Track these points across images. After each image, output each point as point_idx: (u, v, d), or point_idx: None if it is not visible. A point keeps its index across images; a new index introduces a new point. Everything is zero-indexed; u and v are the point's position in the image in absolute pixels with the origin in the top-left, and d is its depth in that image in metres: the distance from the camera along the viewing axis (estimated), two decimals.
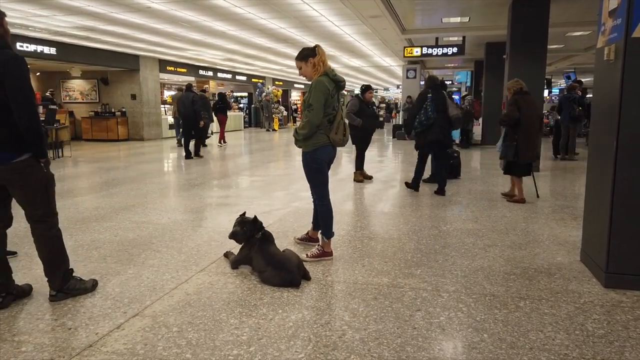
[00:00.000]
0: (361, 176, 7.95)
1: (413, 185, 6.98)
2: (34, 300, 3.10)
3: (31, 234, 3.02)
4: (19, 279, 3.29)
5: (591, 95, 9.76)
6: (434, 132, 6.53)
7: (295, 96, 35.18)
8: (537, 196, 6.49)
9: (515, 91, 6.17)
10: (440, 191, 6.75)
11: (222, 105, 15.02)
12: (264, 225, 3.81)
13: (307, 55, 3.71)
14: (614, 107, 3.23)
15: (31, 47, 12.70)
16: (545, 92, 16.98)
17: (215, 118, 14.49)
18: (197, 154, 11.59)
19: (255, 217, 3.79)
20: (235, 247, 3.92)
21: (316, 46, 3.73)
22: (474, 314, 2.89)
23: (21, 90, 2.79)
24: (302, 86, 32.67)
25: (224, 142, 15.15)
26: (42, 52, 13.09)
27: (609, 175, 3.29)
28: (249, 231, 3.70)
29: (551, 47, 12.14)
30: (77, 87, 17.72)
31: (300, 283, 3.33)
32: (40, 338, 2.60)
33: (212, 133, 14.34)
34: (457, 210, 5.82)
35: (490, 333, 2.65)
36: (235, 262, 3.72)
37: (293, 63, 17.05)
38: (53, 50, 13.39)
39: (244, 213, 3.91)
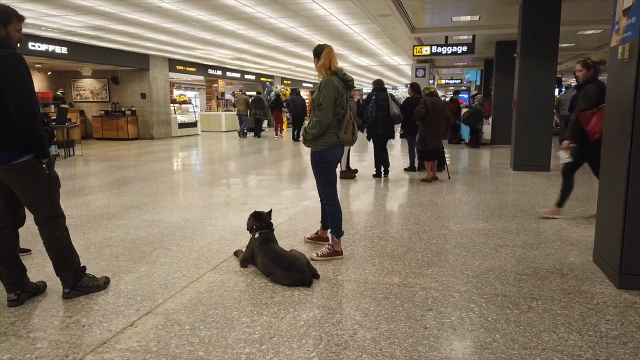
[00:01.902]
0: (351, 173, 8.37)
1: (377, 174, 8.24)
2: (48, 298, 3.14)
3: (40, 235, 3.05)
4: (33, 276, 3.33)
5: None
6: (377, 127, 7.80)
7: (303, 95, 35.17)
8: (449, 177, 8.07)
9: (426, 93, 7.78)
10: (377, 175, 8.23)
11: (277, 104, 18.22)
12: (268, 224, 3.81)
13: (317, 52, 3.76)
14: (628, 106, 3.20)
15: (43, 47, 12.82)
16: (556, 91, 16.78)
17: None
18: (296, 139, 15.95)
19: (255, 213, 3.86)
20: (244, 246, 3.94)
21: (325, 46, 3.75)
22: (485, 314, 2.88)
23: (18, 90, 2.73)
24: (311, 85, 32.65)
25: (280, 134, 18.50)
26: (53, 51, 13.21)
27: (622, 175, 3.26)
28: (252, 224, 3.80)
29: (562, 46, 12.04)
30: (87, 86, 17.86)
31: (311, 282, 3.34)
32: (55, 335, 2.63)
33: (267, 128, 19.81)
34: (468, 209, 5.80)
35: (502, 333, 2.64)
36: (244, 261, 3.75)
37: (302, 62, 17.01)
38: (64, 50, 13.51)
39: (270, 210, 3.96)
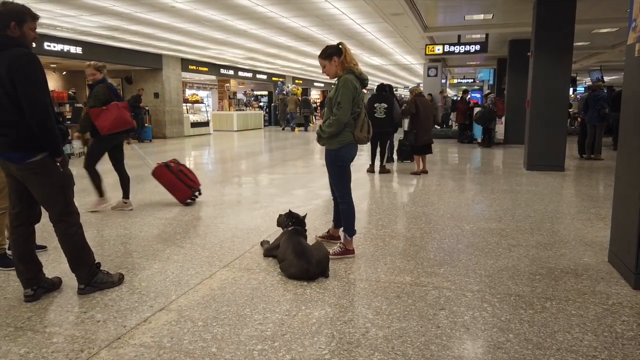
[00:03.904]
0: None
1: (371, 169, 8.67)
2: (63, 293, 3.18)
3: (55, 232, 3.09)
4: (49, 272, 3.37)
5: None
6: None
7: (315, 94, 35.19)
8: (426, 172, 8.55)
9: (415, 94, 8.70)
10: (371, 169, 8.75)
11: (323, 104, 22.93)
12: (302, 224, 3.99)
13: (332, 53, 3.68)
14: None
15: (58, 47, 12.99)
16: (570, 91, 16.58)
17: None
18: None
19: (290, 212, 4.07)
20: (272, 235, 4.08)
21: (340, 44, 3.71)
22: (498, 314, 2.86)
23: (30, 89, 2.74)
24: (322, 84, 32.65)
25: None
26: (68, 51, 13.38)
27: (638, 174, 3.21)
28: (288, 221, 3.99)
29: (576, 45, 11.88)
30: None
31: (315, 277, 3.36)
32: (70, 330, 2.67)
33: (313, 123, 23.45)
34: (480, 209, 5.76)
35: (515, 333, 2.61)
36: (267, 250, 3.91)
37: (314, 61, 16.99)
38: (79, 50, 13.67)
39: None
